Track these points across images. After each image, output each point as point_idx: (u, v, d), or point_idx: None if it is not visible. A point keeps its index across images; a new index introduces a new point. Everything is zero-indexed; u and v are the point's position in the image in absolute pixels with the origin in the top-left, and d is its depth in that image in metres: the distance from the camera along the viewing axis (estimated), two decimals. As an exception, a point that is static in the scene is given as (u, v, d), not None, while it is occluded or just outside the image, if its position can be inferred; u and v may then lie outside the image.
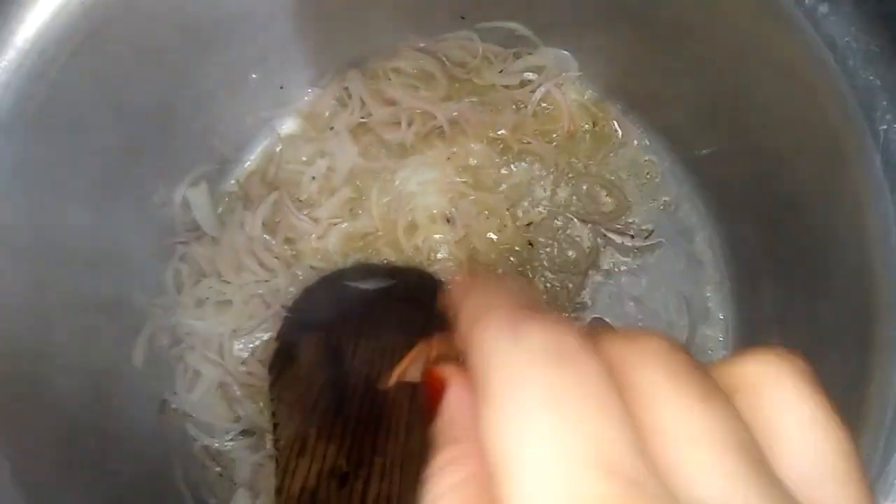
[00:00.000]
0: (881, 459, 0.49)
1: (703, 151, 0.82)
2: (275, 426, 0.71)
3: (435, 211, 0.89)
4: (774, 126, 0.66)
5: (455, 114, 0.91)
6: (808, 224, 0.65)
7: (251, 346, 0.87)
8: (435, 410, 0.31)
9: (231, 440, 0.85)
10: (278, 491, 0.65)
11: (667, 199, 0.87)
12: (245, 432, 0.85)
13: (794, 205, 0.67)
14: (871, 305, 0.54)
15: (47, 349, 0.71)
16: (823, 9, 0.53)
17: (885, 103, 0.51)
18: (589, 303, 0.86)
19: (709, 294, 0.85)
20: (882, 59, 0.51)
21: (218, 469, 0.85)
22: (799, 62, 0.56)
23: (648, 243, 0.86)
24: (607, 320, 0.85)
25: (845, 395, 0.55)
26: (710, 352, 0.83)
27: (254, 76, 0.88)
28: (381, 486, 0.64)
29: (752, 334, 0.81)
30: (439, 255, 0.88)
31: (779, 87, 0.62)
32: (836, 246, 0.59)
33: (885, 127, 0.50)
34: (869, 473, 0.49)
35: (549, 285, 0.86)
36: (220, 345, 0.86)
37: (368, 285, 0.84)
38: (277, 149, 0.93)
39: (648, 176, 0.88)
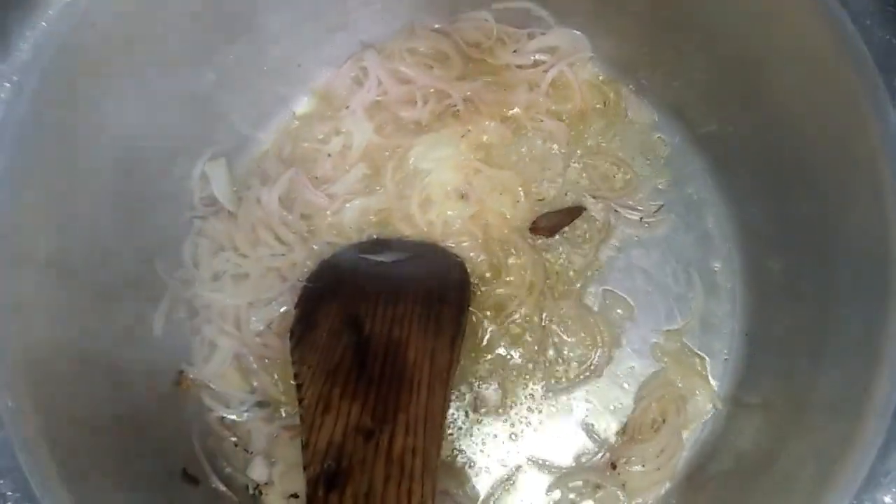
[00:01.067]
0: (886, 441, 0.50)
1: (713, 127, 0.84)
2: (298, 386, 0.72)
3: (449, 187, 0.91)
4: (788, 92, 0.68)
5: (469, 93, 0.92)
6: (820, 191, 0.67)
7: (267, 318, 0.87)
8: None
9: (246, 411, 0.86)
10: (305, 445, 0.66)
11: (676, 174, 0.89)
12: (260, 403, 0.86)
13: (806, 173, 0.68)
14: (886, 263, 0.55)
15: (69, 312, 0.71)
16: (839, -27, 0.55)
17: (901, 60, 0.53)
18: (600, 277, 0.87)
19: (717, 266, 0.86)
20: (896, 20, 0.53)
21: (234, 439, 0.86)
22: (814, 24, 0.58)
23: (658, 218, 0.88)
24: (618, 293, 0.87)
25: (855, 362, 0.57)
26: (718, 323, 0.85)
27: (272, 54, 0.89)
28: (405, 440, 0.65)
29: (760, 305, 0.82)
30: (453, 230, 0.89)
31: (793, 55, 0.64)
32: (852, 208, 0.60)
33: (900, 83, 0.52)
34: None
35: (562, 259, 0.88)
36: (236, 317, 0.87)
37: (384, 258, 0.85)
38: (294, 126, 0.94)
39: (658, 153, 0.90)
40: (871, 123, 0.54)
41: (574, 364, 0.85)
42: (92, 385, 0.74)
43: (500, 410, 0.84)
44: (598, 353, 0.85)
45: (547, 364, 0.86)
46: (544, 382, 0.85)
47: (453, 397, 0.82)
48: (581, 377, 0.85)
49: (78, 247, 0.73)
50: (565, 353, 0.86)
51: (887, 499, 0.48)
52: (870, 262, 0.56)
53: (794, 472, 0.59)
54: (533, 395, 0.85)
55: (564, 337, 0.86)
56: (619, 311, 0.87)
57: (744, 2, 0.68)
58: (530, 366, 0.85)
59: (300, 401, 0.70)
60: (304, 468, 0.65)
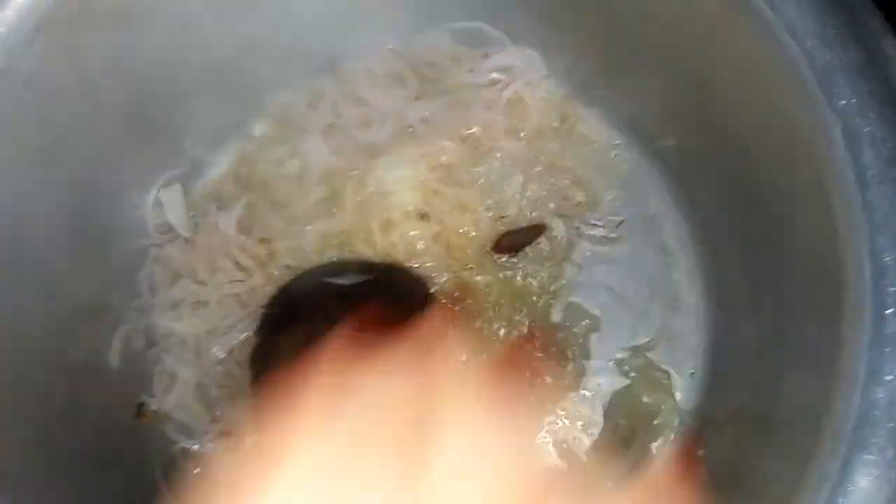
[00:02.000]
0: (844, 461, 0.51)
1: (669, 143, 0.85)
2: (257, 420, 0.71)
3: (410, 208, 0.90)
4: (737, 112, 0.69)
5: (426, 113, 0.92)
6: (772, 209, 0.68)
7: (228, 346, 0.86)
8: None
9: (210, 441, 0.84)
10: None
11: (635, 190, 0.90)
12: (224, 433, 0.84)
13: (759, 190, 0.69)
14: (838, 281, 0.56)
15: (23, 346, 0.70)
16: (782, -6, 0.57)
17: (842, 80, 0.54)
18: (564, 293, 0.87)
19: (679, 280, 0.87)
20: (838, 40, 0.54)
21: (197, 470, 0.84)
22: (759, 47, 0.59)
23: (619, 234, 0.89)
24: (582, 304, 0.87)
25: (811, 378, 0.58)
26: (683, 337, 0.86)
27: (225, 77, 0.88)
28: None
29: (723, 319, 0.83)
30: (416, 251, 0.88)
31: (740, 74, 0.65)
32: (801, 223, 0.61)
33: (843, 102, 0.53)
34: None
35: (526, 277, 0.88)
36: (196, 346, 0.86)
37: (346, 280, 0.84)
38: (250, 150, 0.93)
39: (616, 168, 0.91)
40: (815, 144, 0.55)
41: (547, 380, 0.85)
42: (47, 420, 0.72)
43: (469, 431, 0.84)
44: (570, 366, 0.85)
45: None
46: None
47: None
48: (555, 393, 0.85)
49: (27, 279, 0.71)
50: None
51: (844, 514, 0.48)
52: (821, 279, 0.57)
53: (760, 491, 0.59)
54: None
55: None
56: (585, 321, 0.87)
57: (689, 24, 0.69)
58: (496, 385, 0.85)
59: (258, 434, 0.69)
60: None
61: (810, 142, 0.56)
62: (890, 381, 0.49)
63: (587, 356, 0.86)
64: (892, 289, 0.50)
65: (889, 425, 0.49)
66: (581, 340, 0.86)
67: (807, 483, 0.50)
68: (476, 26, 0.91)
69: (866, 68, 0.53)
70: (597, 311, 0.86)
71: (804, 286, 0.62)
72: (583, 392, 0.85)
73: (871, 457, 0.49)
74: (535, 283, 0.88)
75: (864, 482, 0.48)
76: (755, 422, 0.67)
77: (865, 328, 0.50)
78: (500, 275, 0.88)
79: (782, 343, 0.65)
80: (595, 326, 0.86)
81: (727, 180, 0.76)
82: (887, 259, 0.51)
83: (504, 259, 0.89)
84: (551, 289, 0.88)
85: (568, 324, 0.86)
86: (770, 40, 0.57)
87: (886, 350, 0.50)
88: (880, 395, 0.49)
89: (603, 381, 0.85)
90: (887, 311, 0.50)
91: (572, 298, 0.87)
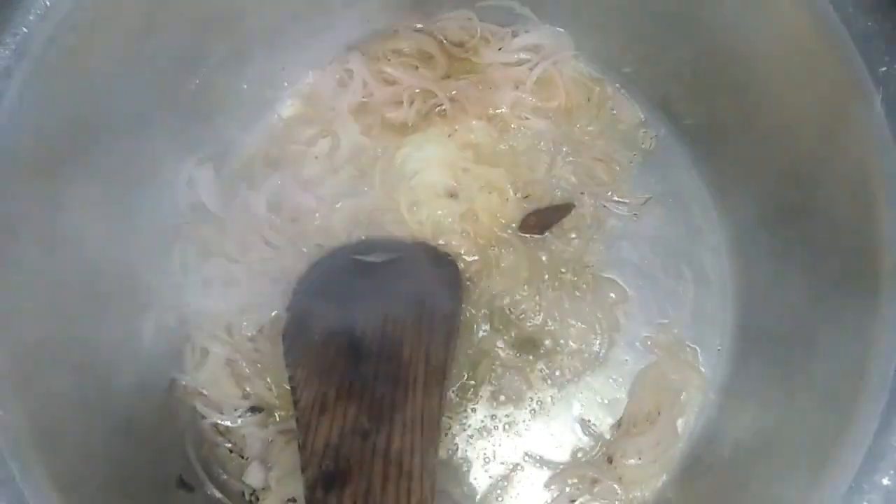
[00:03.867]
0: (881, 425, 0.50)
1: (698, 120, 0.84)
2: (293, 389, 0.72)
3: (438, 187, 0.91)
4: (772, 84, 0.68)
5: (455, 92, 0.93)
6: (807, 181, 0.67)
7: (259, 323, 0.87)
8: None
9: (240, 416, 0.85)
10: (302, 447, 0.65)
11: (663, 167, 0.90)
12: (254, 409, 0.86)
13: (794, 163, 0.69)
14: (874, 248, 0.56)
15: (62, 321, 0.71)
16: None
17: (883, 46, 0.53)
18: (591, 269, 0.87)
19: (706, 258, 0.87)
20: (879, 6, 0.54)
21: (228, 445, 0.85)
22: (797, 15, 0.59)
23: (646, 211, 0.89)
24: (608, 276, 0.86)
25: (847, 350, 0.57)
26: (710, 314, 0.85)
27: (256, 57, 0.89)
28: (402, 440, 0.65)
29: (751, 296, 0.83)
30: (444, 229, 0.89)
31: (777, 45, 0.65)
32: (840, 197, 0.61)
33: (884, 69, 0.53)
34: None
35: (553, 255, 0.88)
36: (227, 323, 0.87)
37: (375, 258, 0.85)
38: (280, 129, 0.94)
39: (644, 146, 0.91)
40: (855, 111, 0.55)
41: (576, 355, 0.85)
42: (83, 395, 0.73)
43: (498, 407, 0.84)
44: (598, 341, 0.85)
45: (547, 358, 0.85)
46: (545, 377, 0.85)
47: (449, 395, 0.82)
48: (585, 366, 0.85)
49: (64, 256, 0.72)
50: (565, 344, 0.86)
51: (885, 481, 0.48)
52: (859, 250, 0.56)
53: (791, 460, 0.59)
54: (530, 391, 0.85)
55: (562, 329, 0.86)
56: (611, 294, 0.87)
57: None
58: (529, 360, 0.85)
59: (295, 403, 0.70)
60: (302, 470, 0.65)
61: (849, 110, 0.55)
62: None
63: (617, 325, 0.86)
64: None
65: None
66: (609, 315, 0.85)
67: (839, 454, 0.50)
68: (504, 4, 0.91)
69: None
70: (624, 288, 0.86)
71: (838, 257, 0.61)
72: (610, 368, 0.85)
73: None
74: (562, 261, 0.88)
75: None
76: (783, 396, 0.67)
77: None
78: (528, 253, 0.88)
79: (815, 318, 0.65)
80: (622, 296, 0.86)
81: (758, 154, 0.75)
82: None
83: (531, 238, 0.89)
84: (577, 266, 0.87)
85: (593, 297, 0.86)
86: (808, 7, 0.57)
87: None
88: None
89: (629, 358, 0.85)
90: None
91: (599, 274, 0.87)
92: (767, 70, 0.68)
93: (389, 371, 0.71)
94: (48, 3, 0.64)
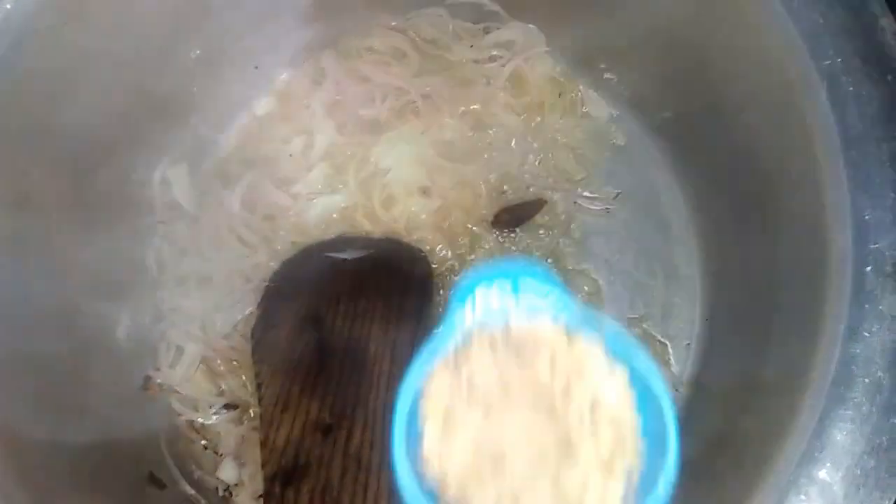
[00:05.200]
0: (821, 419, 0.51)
1: (666, 115, 0.85)
2: (258, 386, 0.72)
3: (411, 183, 0.91)
4: (729, 79, 0.69)
5: (428, 89, 0.93)
6: (764, 176, 0.68)
7: (233, 320, 0.88)
8: None
9: (215, 414, 0.86)
10: (263, 444, 0.66)
11: (634, 163, 0.90)
12: (229, 406, 0.86)
13: (752, 158, 0.69)
14: (823, 240, 0.56)
15: (31, 321, 0.72)
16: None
17: (827, 40, 0.54)
18: (563, 265, 0.88)
19: (677, 253, 0.87)
20: (825, 1, 0.54)
21: (203, 442, 0.86)
22: (748, 10, 0.59)
23: (617, 207, 0.89)
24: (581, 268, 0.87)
25: (795, 344, 0.58)
26: (680, 309, 0.86)
27: (228, 56, 0.89)
28: (363, 434, 0.66)
29: (718, 290, 0.83)
30: (418, 226, 0.89)
31: (731, 40, 0.65)
32: (789, 184, 0.62)
33: (828, 62, 0.53)
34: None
35: (525, 250, 0.88)
36: (202, 320, 0.88)
37: (347, 255, 0.85)
38: (254, 127, 0.94)
39: (615, 142, 0.91)
40: (802, 105, 0.55)
41: None
42: (54, 393, 0.74)
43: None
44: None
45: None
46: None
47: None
48: None
49: (32, 256, 0.73)
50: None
51: (821, 474, 0.48)
52: (808, 240, 0.57)
53: (742, 452, 0.60)
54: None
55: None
56: (585, 287, 0.88)
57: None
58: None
59: (259, 400, 0.70)
60: (262, 466, 0.65)
61: (798, 103, 0.56)
62: (868, 338, 0.49)
63: None
64: (872, 246, 0.50)
65: (865, 380, 0.49)
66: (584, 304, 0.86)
67: (786, 439, 0.50)
68: (475, 1, 0.91)
69: (851, 27, 0.53)
70: (596, 280, 0.87)
71: (792, 248, 0.62)
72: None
73: (847, 412, 0.49)
74: (534, 256, 0.89)
75: (839, 436, 0.49)
76: (743, 389, 0.67)
77: (846, 286, 0.50)
78: (501, 248, 0.88)
79: (769, 312, 0.65)
80: (595, 289, 0.87)
81: (722, 149, 0.76)
82: (868, 217, 0.51)
83: (504, 234, 0.89)
84: (550, 262, 0.88)
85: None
86: (759, 3, 0.57)
87: (866, 307, 0.50)
88: (858, 351, 0.49)
89: (600, 353, 0.85)
90: (867, 269, 0.50)
91: (572, 269, 0.88)
92: (725, 63, 0.69)
93: (354, 366, 0.71)
94: (8, 7, 0.65)
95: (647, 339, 0.85)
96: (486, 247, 0.89)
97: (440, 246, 0.89)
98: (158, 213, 0.89)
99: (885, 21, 0.53)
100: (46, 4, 0.69)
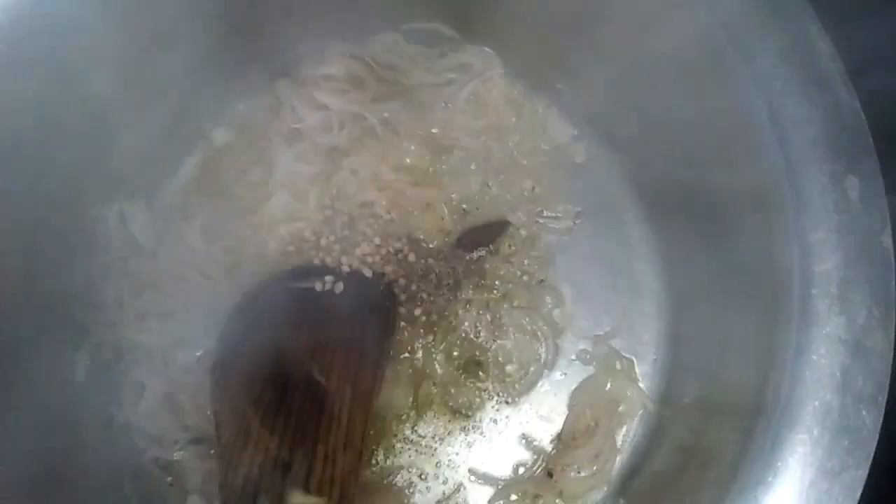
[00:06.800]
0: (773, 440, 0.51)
1: (623, 132, 0.85)
2: (216, 424, 0.71)
3: (374, 209, 0.91)
4: (678, 98, 0.69)
5: (386, 114, 0.93)
6: (715, 189, 0.69)
7: (196, 354, 0.87)
8: None
9: (181, 449, 0.85)
10: (221, 485, 0.65)
11: (594, 181, 0.91)
12: (195, 441, 0.85)
13: (704, 173, 0.70)
14: (771, 262, 0.57)
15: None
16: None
17: (766, 62, 0.54)
18: (528, 283, 0.88)
19: (640, 268, 0.88)
20: (760, 23, 0.54)
21: (169, 479, 0.84)
22: (690, 36, 0.60)
23: (579, 225, 0.89)
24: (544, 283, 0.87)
25: (749, 365, 0.58)
26: (645, 325, 0.86)
27: (183, 88, 0.89)
28: (323, 471, 0.65)
29: (682, 306, 0.84)
30: (380, 251, 0.89)
31: (680, 60, 0.66)
32: (738, 206, 0.62)
33: (767, 85, 0.54)
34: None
35: (490, 272, 0.88)
36: (164, 356, 0.86)
37: (309, 285, 0.85)
38: (213, 158, 0.94)
39: (576, 160, 0.92)
40: (745, 128, 0.56)
41: (523, 366, 0.86)
42: (11, 436, 0.72)
43: (440, 427, 0.85)
44: (543, 348, 0.86)
45: (490, 374, 0.86)
46: (489, 393, 0.85)
47: (392, 417, 0.82)
48: (535, 377, 0.85)
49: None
50: (508, 358, 0.86)
51: (775, 500, 0.48)
52: (757, 267, 0.57)
53: (703, 475, 0.60)
54: (472, 409, 0.85)
55: (504, 343, 0.87)
56: (547, 299, 0.88)
57: (629, 19, 0.69)
58: (470, 378, 0.86)
59: (217, 439, 0.69)
60: None
61: (741, 125, 0.56)
62: (816, 360, 0.49)
63: (558, 330, 0.87)
64: (816, 269, 0.51)
65: (815, 403, 0.49)
66: (549, 320, 0.87)
67: (742, 463, 0.50)
68: (429, 27, 0.91)
69: (788, 49, 0.54)
70: (559, 291, 0.87)
71: (744, 268, 0.62)
72: (548, 382, 0.85)
73: (799, 436, 0.49)
74: (499, 278, 0.89)
75: (791, 460, 0.49)
76: (705, 408, 0.67)
77: (793, 308, 0.51)
78: (465, 271, 0.88)
79: (729, 327, 0.66)
80: (558, 300, 0.87)
81: (677, 165, 0.76)
82: (811, 239, 0.51)
83: (468, 255, 0.89)
84: (514, 282, 0.88)
85: (529, 305, 0.87)
86: (699, 31, 0.58)
87: (813, 329, 0.50)
88: (807, 374, 0.50)
89: (567, 371, 0.86)
90: (812, 291, 0.51)
91: (536, 285, 0.88)
92: (672, 86, 0.69)
93: (315, 401, 0.71)
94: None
95: (613, 356, 0.85)
96: (451, 270, 0.89)
97: (403, 271, 0.89)
98: (116, 249, 0.88)
99: (823, 45, 0.53)
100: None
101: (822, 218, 0.52)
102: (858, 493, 0.48)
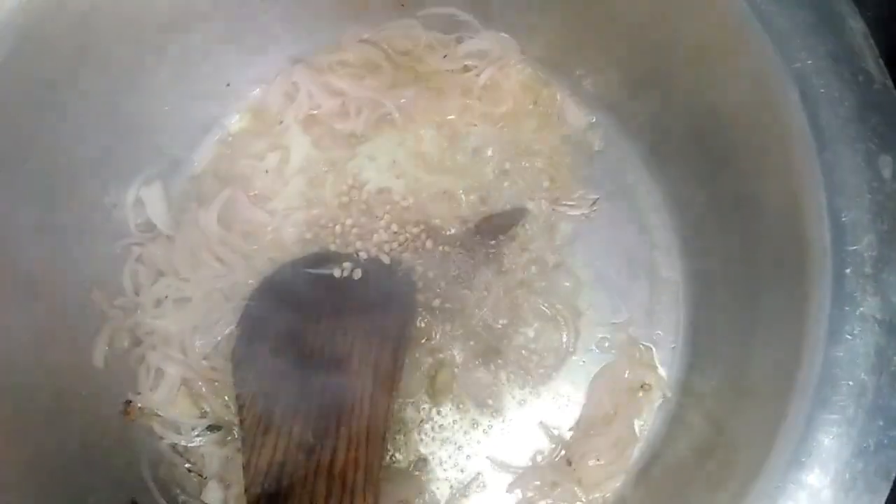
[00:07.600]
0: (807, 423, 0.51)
1: (644, 118, 0.85)
2: (239, 408, 0.71)
3: (392, 196, 0.90)
4: (703, 81, 0.69)
5: (403, 101, 0.93)
6: (740, 170, 0.68)
7: (213, 341, 0.86)
8: None
9: (198, 436, 0.85)
10: (245, 467, 0.65)
11: (612, 167, 0.90)
12: (212, 427, 0.85)
13: (728, 155, 0.69)
14: (802, 242, 0.56)
15: (2, 348, 0.70)
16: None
17: (797, 42, 0.53)
18: (548, 270, 0.87)
19: (658, 256, 0.87)
20: (792, 1, 0.54)
21: (187, 465, 0.84)
22: (718, 12, 0.59)
23: (597, 212, 0.89)
24: (579, 278, 0.86)
25: (779, 347, 0.58)
26: (664, 312, 0.85)
27: (200, 74, 0.88)
28: (347, 454, 0.65)
29: (702, 293, 0.83)
30: (397, 238, 0.88)
31: (702, 42, 0.65)
32: (767, 187, 0.61)
33: (799, 64, 0.53)
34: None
35: (509, 259, 0.88)
36: (181, 342, 0.86)
37: (327, 271, 0.84)
38: (228, 144, 0.93)
39: (593, 146, 0.91)
40: (775, 107, 0.55)
41: (545, 353, 0.85)
42: (31, 421, 0.73)
43: (459, 414, 0.84)
44: (564, 335, 0.85)
45: (510, 361, 0.85)
46: (507, 380, 0.85)
47: (410, 404, 0.82)
48: (557, 362, 0.85)
49: (5, 281, 0.72)
50: (529, 344, 0.85)
51: (810, 479, 0.48)
52: (787, 242, 0.57)
53: (731, 457, 0.59)
54: (490, 397, 0.84)
55: (524, 330, 0.86)
56: (566, 283, 0.87)
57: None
58: (489, 365, 0.85)
59: (241, 422, 0.69)
60: (245, 491, 0.64)
61: (771, 105, 0.56)
62: (850, 340, 0.49)
63: (578, 312, 0.86)
64: (850, 248, 0.50)
65: (850, 383, 0.49)
66: (567, 304, 0.86)
67: (773, 444, 0.50)
68: (446, 12, 0.91)
69: (820, 28, 0.53)
70: (577, 275, 0.87)
71: (772, 250, 0.61)
72: (566, 370, 0.84)
73: (833, 416, 0.49)
74: (518, 265, 0.88)
75: (826, 440, 0.48)
76: (728, 394, 0.67)
77: (826, 288, 0.50)
78: (483, 258, 0.88)
79: (755, 310, 0.65)
80: (576, 283, 0.86)
81: (698, 150, 0.75)
82: (845, 218, 0.51)
83: (486, 242, 0.89)
84: (533, 269, 0.87)
85: (548, 291, 0.87)
86: (723, 11, 0.57)
87: (846, 309, 0.50)
88: (840, 354, 0.49)
89: (586, 359, 0.85)
90: (847, 271, 0.50)
91: (554, 272, 0.87)
92: (698, 66, 0.69)
93: (336, 385, 0.70)
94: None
95: (631, 344, 0.85)
96: (469, 257, 0.88)
97: (421, 259, 0.88)
98: (133, 235, 0.88)
99: (853, 21, 0.53)
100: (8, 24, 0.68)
101: (855, 197, 0.51)
102: (894, 473, 0.47)
